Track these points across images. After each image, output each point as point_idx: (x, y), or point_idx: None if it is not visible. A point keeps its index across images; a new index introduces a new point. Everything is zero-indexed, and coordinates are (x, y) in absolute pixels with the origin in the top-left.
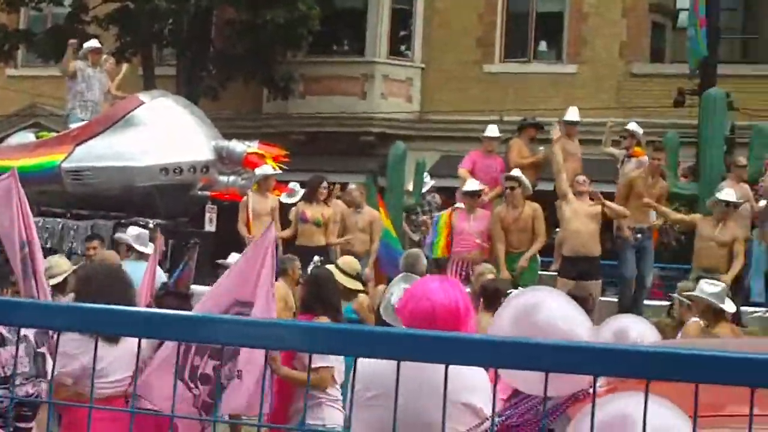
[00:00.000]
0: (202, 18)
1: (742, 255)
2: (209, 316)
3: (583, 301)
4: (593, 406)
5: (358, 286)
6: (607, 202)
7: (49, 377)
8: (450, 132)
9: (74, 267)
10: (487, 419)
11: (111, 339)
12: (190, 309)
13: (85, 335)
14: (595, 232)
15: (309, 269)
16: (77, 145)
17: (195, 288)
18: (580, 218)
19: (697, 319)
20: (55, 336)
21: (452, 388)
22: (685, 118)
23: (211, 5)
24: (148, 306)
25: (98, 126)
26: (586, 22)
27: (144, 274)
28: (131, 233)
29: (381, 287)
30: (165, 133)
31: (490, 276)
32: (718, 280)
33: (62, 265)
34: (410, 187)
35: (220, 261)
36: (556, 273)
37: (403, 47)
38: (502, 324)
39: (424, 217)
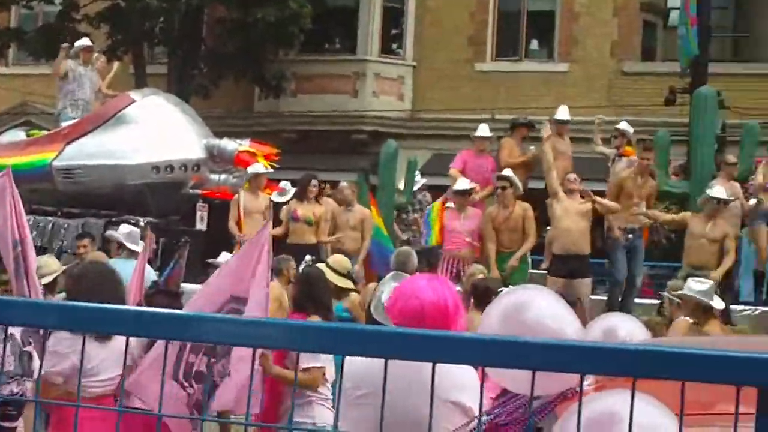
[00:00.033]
0: (193, 16)
1: (734, 251)
2: (199, 315)
3: (571, 305)
4: (580, 405)
5: (349, 284)
6: (598, 198)
7: (35, 376)
8: (441, 130)
9: (64, 267)
10: (476, 418)
11: (102, 338)
12: (180, 307)
13: (76, 334)
14: (585, 230)
15: (300, 268)
16: (68, 143)
17: (185, 286)
18: (570, 216)
19: (687, 317)
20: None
21: (441, 387)
22: (676, 116)
23: (202, 3)
24: (137, 304)
25: (89, 124)
26: (578, 20)
27: (133, 272)
28: (122, 231)
29: (372, 285)
30: (156, 132)
31: (481, 276)
32: (707, 277)
33: (52, 264)
34: (401, 185)
35: (210, 260)
36: (546, 271)
37: (394, 45)
38: (490, 322)
39: (415, 215)
